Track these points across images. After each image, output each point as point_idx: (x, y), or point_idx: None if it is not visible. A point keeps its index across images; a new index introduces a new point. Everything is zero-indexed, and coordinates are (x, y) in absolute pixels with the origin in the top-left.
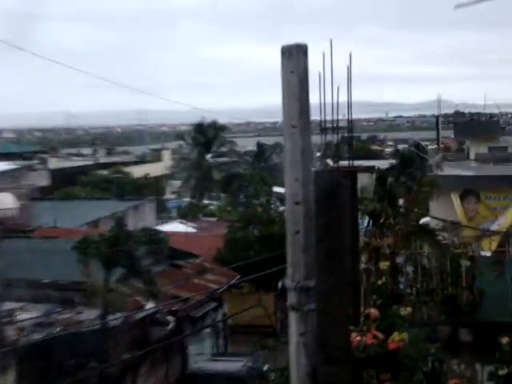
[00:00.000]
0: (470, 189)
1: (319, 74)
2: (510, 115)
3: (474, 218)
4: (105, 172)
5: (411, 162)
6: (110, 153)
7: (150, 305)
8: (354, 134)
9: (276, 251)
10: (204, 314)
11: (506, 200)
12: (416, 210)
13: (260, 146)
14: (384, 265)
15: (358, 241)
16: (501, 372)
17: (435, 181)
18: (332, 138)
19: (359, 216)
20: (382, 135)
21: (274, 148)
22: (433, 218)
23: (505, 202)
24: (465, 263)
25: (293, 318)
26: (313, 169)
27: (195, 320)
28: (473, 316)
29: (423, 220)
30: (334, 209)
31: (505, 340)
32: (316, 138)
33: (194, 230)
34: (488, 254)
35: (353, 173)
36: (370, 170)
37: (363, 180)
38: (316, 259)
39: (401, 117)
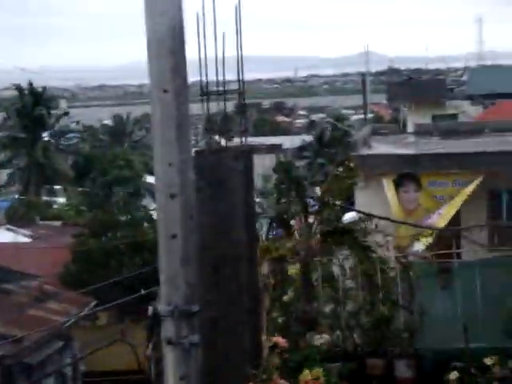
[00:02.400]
0: (407, 172)
1: (197, 17)
2: (460, 72)
3: (415, 211)
4: None
5: (330, 137)
6: None
7: None
8: (254, 101)
9: (146, 265)
10: (44, 359)
11: (456, 186)
12: (336, 202)
13: (118, 119)
14: (293, 273)
15: (257, 246)
16: None
17: (359, 162)
18: (219, 105)
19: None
20: (290, 102)
21: (140, 121)
22: (358, 212)
23: (453, 190)
24: (398, 273)
25: (170, 355)
26: (193, 149)
27: (32, 368)
28: (412, 344)
29: (348, 216)
30: (223, 202)
31: (453, 376)
32: (197, 107)
33: (28, 240)
34: (423, 255)
35: (247, 153)
36: (274, 149)
37: (267, 164)
38: (200, 273)
39: (316, 76)
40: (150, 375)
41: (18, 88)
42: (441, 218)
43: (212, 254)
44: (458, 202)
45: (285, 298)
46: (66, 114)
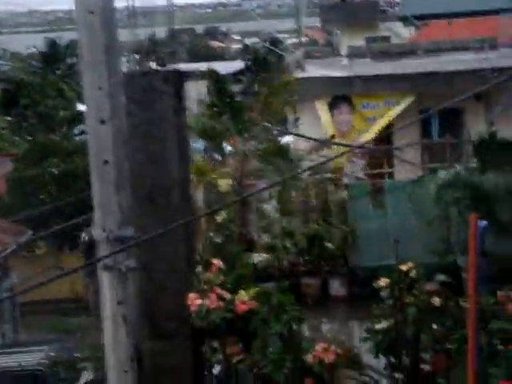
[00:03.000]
0: (341, 95)
1: None
2: None
3: (348, 133)
4: None
5: (265, 62)
6: None
7: None
8: (186, 26)
9: (82, 193)
10: None
11: (387, 107)
12: (270, 125)
13: (51, 43)
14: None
15: (190, 170)
16: (378, 326)
17: (292, 83)
18: (150, 31)
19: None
20: (224, 26)
21: (72, 48)
22: (293, 134)
23: (384, 111)
24: (334, 193)
25: (106, 281)
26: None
27: None
28: (346, 262)
29: (284, 140)
30: (154, 127)
31: (383, 282)
32: (127, 33)
33: None
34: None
35: (178, 76)
36: (207, 74)
37: (201, 90)
38: (134, 199)
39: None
40: (87, 302)
41: None
42: (368, 136)
43: (145, 178)
44: (385, 121)
45: (219, 218)
46: None
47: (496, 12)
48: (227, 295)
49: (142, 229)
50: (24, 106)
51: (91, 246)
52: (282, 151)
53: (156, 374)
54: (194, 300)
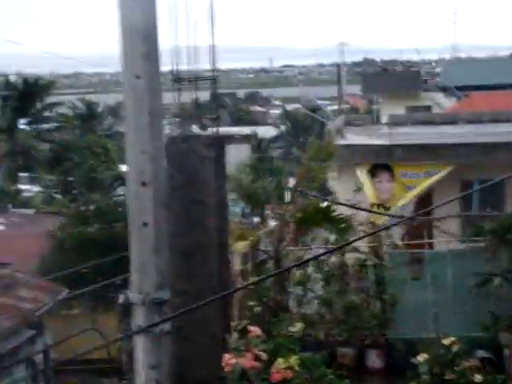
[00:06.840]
0: (381, 163)
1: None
2: (434, 63)
3: (389, 200)
4: None
5: (305, 127)
6: None
7: None
8: (228, 91)
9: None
10: (14, 348)
11: (428, 177)
12: (310, 192)
13: (89, 105)
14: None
15: (228, 233)
16: None
17: (333, 149)
18: (193, 95)
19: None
20: (265, 92)
21: (115, 109)
22: (333, 202)
23: (424, 180)
24: (373, 261)
25: (141, 344)
26: (165, 136)
27: (1, 356)
28: (384, 333)
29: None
30: (194, 190)
31: (421, 358)
32: (170, 97)
33: (0, 227)
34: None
35: (219, 141)
36: (248, 139)
37: (242, 154)
38: (171, 261)
39: (291, 66)
40: (121, 364)
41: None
42: (403, 201)
43: (183, 241)
44: (421, 188)
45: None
46: (55, 104)
47: None
48: (264, 355)
49: (179, 290)
50: (72, 165)
51: (127, 308)
52: (326, 213)
53: None
54: (228, 360)
